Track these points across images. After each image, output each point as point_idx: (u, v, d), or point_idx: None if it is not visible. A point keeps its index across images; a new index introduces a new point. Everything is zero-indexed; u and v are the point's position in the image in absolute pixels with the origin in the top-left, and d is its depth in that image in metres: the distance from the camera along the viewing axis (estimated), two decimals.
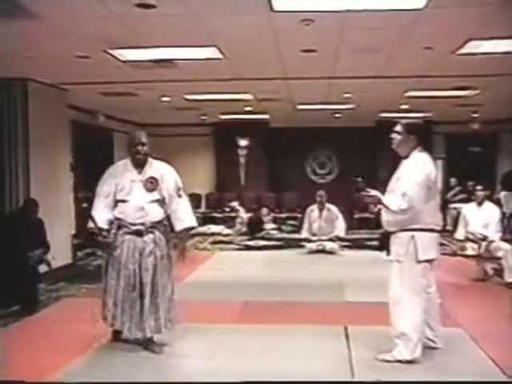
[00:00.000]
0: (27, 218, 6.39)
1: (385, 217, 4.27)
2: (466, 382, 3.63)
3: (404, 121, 4.37)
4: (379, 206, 4.27)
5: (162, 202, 4.50)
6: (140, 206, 4.41)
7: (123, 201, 4.43)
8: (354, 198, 13.24)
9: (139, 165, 4.48)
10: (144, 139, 4.45)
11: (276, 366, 4.17)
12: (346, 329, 5.00)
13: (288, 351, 4.50)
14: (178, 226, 4.59)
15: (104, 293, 4.49)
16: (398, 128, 4.32)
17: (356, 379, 3.89)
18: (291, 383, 3.62)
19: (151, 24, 5.25)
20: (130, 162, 4.51)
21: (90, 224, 4.45)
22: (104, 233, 4.40)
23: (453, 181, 13.59)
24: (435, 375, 3.96)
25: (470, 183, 11.49)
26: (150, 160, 4.56)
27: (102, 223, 4.41)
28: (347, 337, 4.81)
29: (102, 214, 4.45)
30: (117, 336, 4.63)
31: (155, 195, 4.47)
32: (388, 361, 4.16)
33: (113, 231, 4.42)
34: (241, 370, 4.10)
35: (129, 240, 4.38)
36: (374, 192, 4.29)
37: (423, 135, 4.35)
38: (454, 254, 8.85)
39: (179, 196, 4.58)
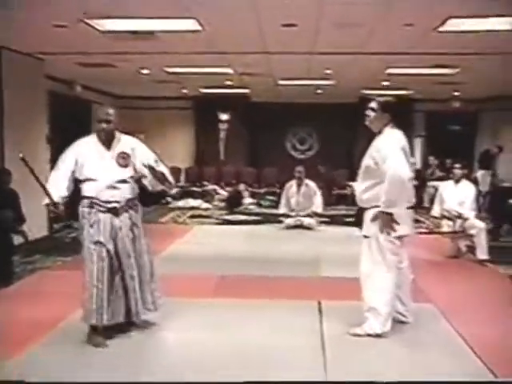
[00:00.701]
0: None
1: (358, 193, 4.30)
2: (465, 381, 3.70)
3: (379, 98, 4.41)
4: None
5: (134, 177, 4.34)
6: (113, 184, 4.20)
7: (92, 179, 4.18)
8: (334, 175, 13.36)
9: (107, 141, 4.26)
10: (109, 116, 4.22)
11: (249, 340, 4.22)
12: (319, 303, 5.05)
13: (261, 325, 4.54)
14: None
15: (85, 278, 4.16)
16: (373, 105, 4.35)
17: (327, 353, 3.94)
18: (291, 383, 3.67)
19: None
20: (96, 138, 4.28)
21: (46, 200, 4.10)
22: (61, 207, 4.12)
23: (431, 159, 13.69)
24: (403, 349, 4.05)
25: (449, 161, 11.59)
26: (118, 135, 4.35)
27: (58, 198, 4.12)
28: (320, 311, 4.87)
29: (58, 189, 4.15)
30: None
31: (128, 171, 4.28)
32: (358, 335, 4.24)
33: (83, 209, 4.19)
34: (214, 343, 4.14)
35: (104, 219, 4.17)
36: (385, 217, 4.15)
37: (396, 113, 4.37)
38: (430, 232, 9.00)
39: (158, 166, 4.40)
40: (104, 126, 4.20)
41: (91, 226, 4.15)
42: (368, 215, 4.27)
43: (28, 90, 8.36)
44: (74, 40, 7.16)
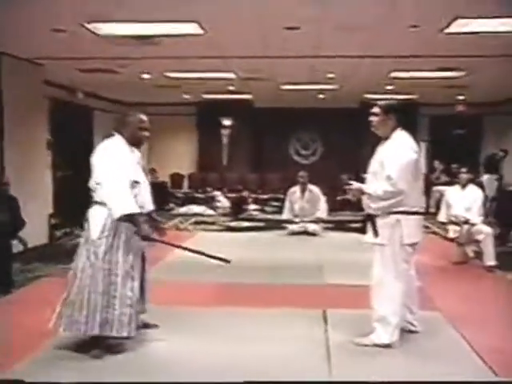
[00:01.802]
0: None
1: (369, 202, 4.18)
2: (465, 381, 3.58)
3: (381, 102, 4.32)
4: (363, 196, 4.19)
5: None
6: (146, 191, 4.21)
7: (136, 183, 4.07)
8: (338, 180, 13.22)
9: (139, 144, 4.20)
10: (148, 124, 4.18)
11: (251, 348, 4.09)
12: (324, 312, 4.92)
13: (264, 334, 4.42)
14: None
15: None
16: (376, 109, 4.26)
17: (332, 363, 3.81)
18: (291, 383, 3.56)
19: None
20: (124, 142, 4.09)
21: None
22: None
23: (437, 163, 13.57)
24: (411, 359, 3.91)
25: (454, 166, 11.46)
26: None
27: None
28: (325, 320, 4.74)
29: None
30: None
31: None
32: (366, 345, 4.11)
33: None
34: (215, 351, 4.02)
35: (126, 225, 3.96)
36: (355, 185, 4.23)
37: (402, 115, 4.28)
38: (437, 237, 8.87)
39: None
40: (146, 133, 4.17)
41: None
42: (379, 222, 4.15)
43: (28, 95, 8.29)
44: (73, 45, 7.08)
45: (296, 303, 5.25)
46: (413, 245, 4.16)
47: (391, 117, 4.20)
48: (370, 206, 4.15)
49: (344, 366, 3.80)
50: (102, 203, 3.95)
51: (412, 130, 14.71)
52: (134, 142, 4.15)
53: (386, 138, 4.21)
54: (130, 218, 3.89)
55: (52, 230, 9.30)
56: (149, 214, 4.25)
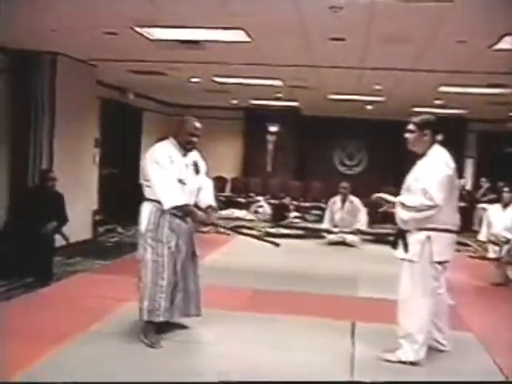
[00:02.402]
0: (45, 191, 6.45)
1: (401, 215, 4.14)
2: (466, 382, 3.53)
3: (415, 118, 4.26)
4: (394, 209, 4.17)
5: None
6: (193, 190, 4.42)
7: (181, 183, 4.32)
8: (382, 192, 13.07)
9: (188, 150, 4.41)
10: (199, 131, 4.41)
11: (274, 356, 4.11)
12: (353, 325, 4.91)
13: (290, 343, 4.44)
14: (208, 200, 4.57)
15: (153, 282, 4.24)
16: (411, 126, 4.22)
17: (355, 378, 3.81)
18: (291, 383, 3.58)
19: (178, 3, 5.19)
20: (176, 145, 4.37)
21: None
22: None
23: (483, 180, 13.28)
24: (435, 377, 3.86)
25: (501, 184, 11.19)
26: None
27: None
28: (353, 333, 4.73)
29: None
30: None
31: (198, 179, 4.50)
32: (391, 361, 4.08)
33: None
34: (240, 356, 4.07)
35: (178, 224, 4.32)
36: (387, 197, 4.25)
37: (438, 130, 4.22)
38: (477, 256, 8.69)
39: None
40: (195, 139, 4.39)
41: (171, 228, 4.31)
42: (411, 238, 4.12)
43: (80, 94, 8.55)
44: (124, 47, 7.29)
45: (326, 313, 5.24)
46: (443, 263, 4.11)
47: (427, 133, 4.15)
48: (401, 217, 4.10)
49: (365, 380, 3.78)
50: (150, 199, 4.28)
51: (460, 145, 14.50)
52: (185, 145, 4.39)
53: (423, 155, 4.17)
54: (180, 209, 4.21)
55: (96, 226, 9.54)
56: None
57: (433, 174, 3.98)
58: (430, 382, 3.48)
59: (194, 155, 4.52)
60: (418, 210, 3.97)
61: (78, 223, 8.39)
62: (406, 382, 3.49)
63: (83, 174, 8.89)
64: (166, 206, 4.14)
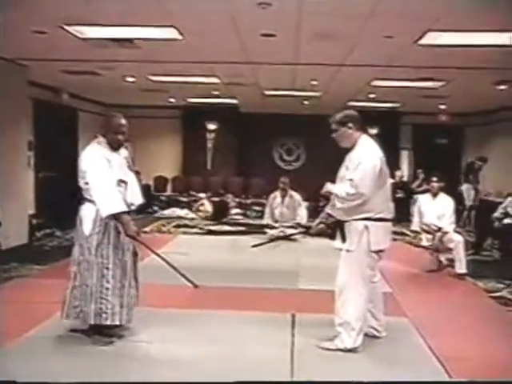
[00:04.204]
0: None
1: (335, 202, 4.25)
2: (464, 381, 3.66)
3: (333, 117, 4.37)
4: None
5: None
6: (133, 189, 4.45)
7: (123, 183, 4.32)
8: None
9: (118, 148, 4.35)
10: (125, 127, 4.34)
11: (217, 351, 4.16)
12: (293, 316, 5.00)
13: (232, 337, 4.49)
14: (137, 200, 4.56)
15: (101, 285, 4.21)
16: (333, 126, 4.34)
17: (294, 366, 3.88)
18: (290, 383, 3.63)
19: (109, 1, 5.14)
20: (107, 144, 4.29)
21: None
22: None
23: (420, 171, 13.68)
24: (372, 363, 4.00)
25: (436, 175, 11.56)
26: None
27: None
28: (293, 324, 4.82)
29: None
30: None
31: (132, 176, 4.50)
32: (329, 349, 4.18)
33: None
34: (182, 353, 4.10)
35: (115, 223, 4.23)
36: (327, 186, 4.31)
37: (360, 122, 4.33)
38: (414, 244, 8.95)
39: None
40: (121, 137, 4.32)
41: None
42: (348, 228, 4.23)
43: (10, 95, 8.27)
44: (55, 47, 7.13)
45: (267, 307, 5.32)
46: (379, 252, 4.24)
47: (350, 126, 4.27)
48: (336, 206, 4.22)
49: (305, 369, 3.87)
50: (92, 201, 4.19)
51: (395, 137, 14.83)
52: (114, 144, 4.32)
53: (352, 148, 4.29)
54: (117, 217, 4.12)
55: (33, 230, 9.29)
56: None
57: (359, 164, 4.11)
58: (428, 381, 3.60)
59: (123, 151, 4.47)
60: (346, 199, 4.09)
61: (13, 228, 8.18)
62: (406, 381, 3.59)
63: (17, 178, 8.64)
64: (104, 214, 4.08)
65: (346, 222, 4.24)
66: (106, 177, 4.14)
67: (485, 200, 11.26)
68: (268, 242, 5.81)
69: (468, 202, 11.26)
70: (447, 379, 3.74)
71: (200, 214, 12.88)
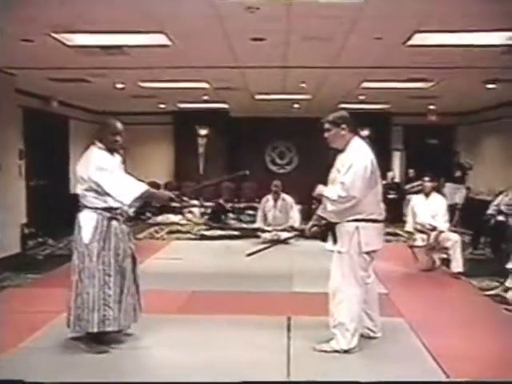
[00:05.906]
0: None
1: (326, 204, 4.25)
2: (464, 381, 3.67)
3: (327, 117, 4.38)
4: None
5: None
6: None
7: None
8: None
9: (113, 151, 4.39)
10: (123, 130, 4.39)
11: (213, 355, 4.15)
12: (289, 319, 5.00)
13: (228, 341, 4.48)
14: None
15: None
16: (326, 125, 4.34)
17: (291, 369, 3.88)
18: (290, 383, 3.62)
19: (98, 8, 5.12)
20: (105, 149, 4.32)
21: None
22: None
23: (411, 172, 13.73)
24: (368, 364, 4.01)
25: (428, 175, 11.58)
26: None
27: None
28: (289, 327, 4.82)
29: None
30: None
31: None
32: (325, 351, 4.18)
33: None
34: (179, 358, 4.09)
35: (115, 227, 4.27)
36: (319, 188, 4.30)
37: (353, 124, 4.35)
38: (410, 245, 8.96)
39: None
40: (119, 139, 4.36)
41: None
42: (339, 230, 4.23)
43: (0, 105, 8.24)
44: (43, 55, 7.09)
45: (263, 311, 5.32)
46: (371, 252, 4.25)
47: (344, 127, 4.28)
48: (327, 208, 4.22)
49: (302, 371, 3.87)
50: (93, 208, 4.20)
51: (386, 139, 14.88)
52: (111, 148, 4.36)
53: (343, 149, 4.30)
54: (143, 197, 4.19)
55: (25, 239, 9.24)
56: None
57: (350, 167, 4.11)
58: (428, 381, 3.61)
59: (117, 157, 4.47)
60: (337, 202, 4.09)
61: (6, 238, 8.14)
62: (403, 381, 3.60)
63: (9, 187, 8.59)
64: (127, 201, 4.11)
65: (338, 223, 4.25)
66: (115, 170, 4.22)
67: (473, 199, 11.30)
68: (263, 249, 5.77)
69: (449, 201, 11.24)
70: (444, 379, 3.75)
71: (194, 219, 12.88)
